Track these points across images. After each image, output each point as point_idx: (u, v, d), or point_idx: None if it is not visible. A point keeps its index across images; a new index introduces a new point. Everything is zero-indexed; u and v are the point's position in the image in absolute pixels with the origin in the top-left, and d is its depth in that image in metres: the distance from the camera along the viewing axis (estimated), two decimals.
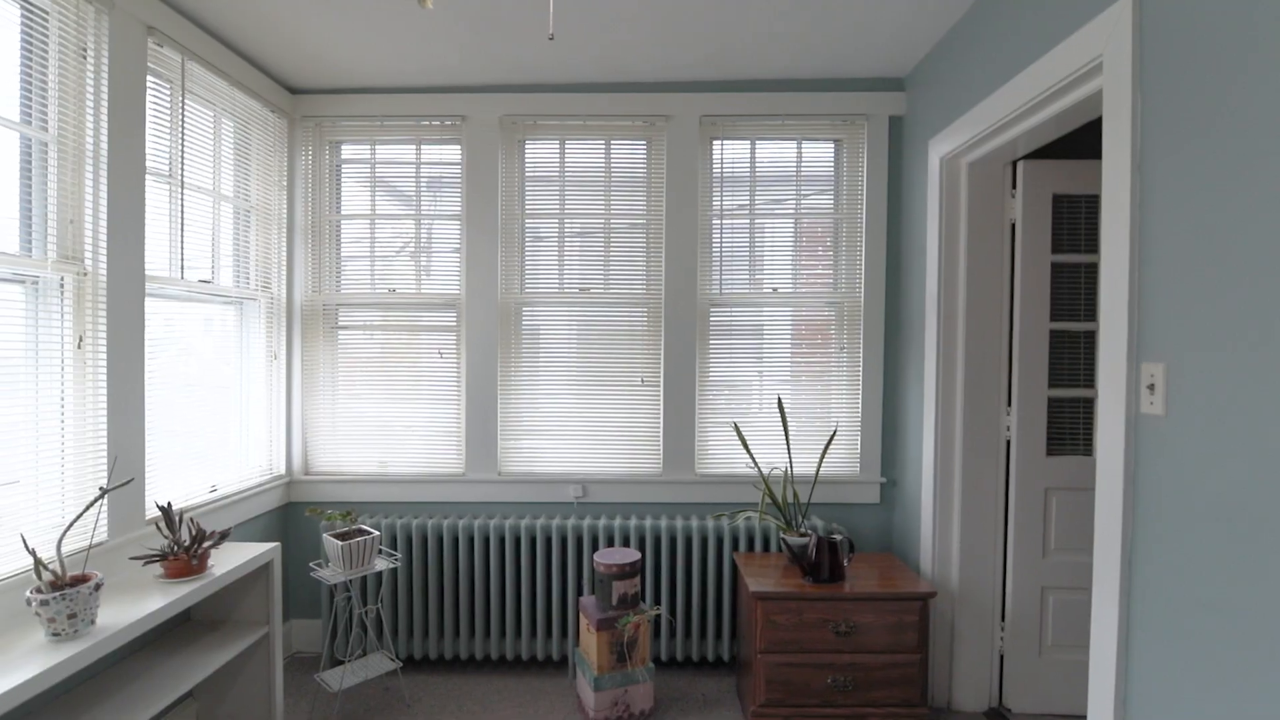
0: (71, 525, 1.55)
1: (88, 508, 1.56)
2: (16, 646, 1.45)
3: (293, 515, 2.77)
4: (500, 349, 2.73)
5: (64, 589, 1.48)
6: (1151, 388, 1.36)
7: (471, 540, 2.59)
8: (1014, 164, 2.29)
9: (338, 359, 2.78)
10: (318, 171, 2.76)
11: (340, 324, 2.78)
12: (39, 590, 1.47)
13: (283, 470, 2.72)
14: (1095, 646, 1.50)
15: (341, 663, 2.58)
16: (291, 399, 2.75)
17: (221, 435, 2.42)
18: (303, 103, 2.70)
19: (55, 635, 1.46)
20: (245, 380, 2.55)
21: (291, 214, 2.74)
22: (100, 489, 1.60)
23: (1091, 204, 2.27)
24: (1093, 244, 2.27)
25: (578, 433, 2.74)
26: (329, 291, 2.78)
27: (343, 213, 2.79)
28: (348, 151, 2.80)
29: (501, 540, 2.59)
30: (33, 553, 1.47)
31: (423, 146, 2.76)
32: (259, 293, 2.58)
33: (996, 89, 1.96)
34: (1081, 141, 2.46)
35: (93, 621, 1.52)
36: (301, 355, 2.75)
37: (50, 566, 1.54)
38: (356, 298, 2.77)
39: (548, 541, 2.60)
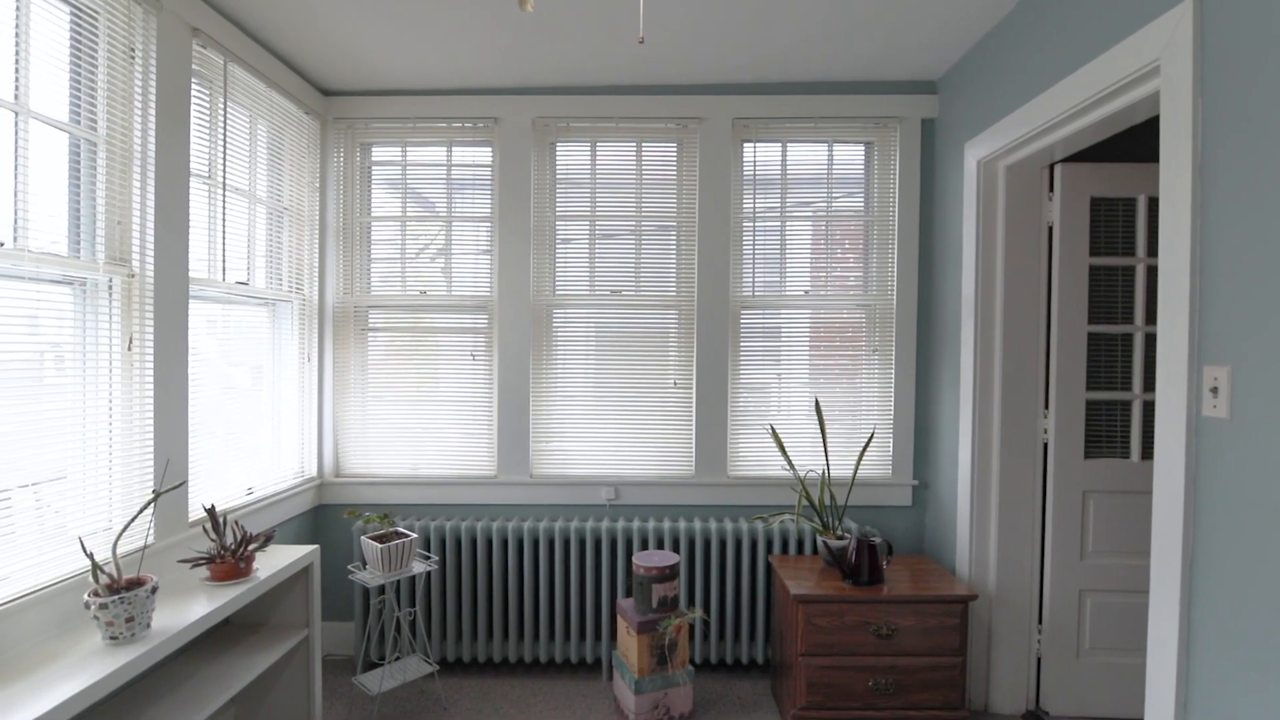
0: (127, 527, 1.54)
1: (142, 510, 1.55)
2: (74, 650, 1.44)
3: (323, 518, 2.76)
4: (532, 351, 2.72)
5: (120, 592, 1.47)
6: (1215, 390, 1.36)
7: (505, 542, 2.59)
8: (1051, 167, 2.30)
9: (368, 361, 2.77)
10: (349, 173, 2.75)
11: (371, 326, 2.78)
12: (97, 593, 1.46)
13: (314, 472, 2.71)
14: (1153, 649, 1.50)
15: (375, 665, 2.58)
16: (323, 401, 2.75)
17: (255, 437, 2.41)
18: (335, 104, 2.69)
19: (113, 639, 1.45)
20: (278, 382, 2.54)
21: (324, 216, 2.74)
22: (154, 492, 1.59)
23: (1129, 207, 2.28)
24: (1130, 247, 2.28)
25: (609, 435, 2.74)
26: (360, 293, 2.77)
27: (374, 214, 2.79)
28: (379, 153, 2.79)
29: (535, 542, 2.59)
30: (90, 556, 1.47)
31: (454, 149, 2.76)
32: (292, 294, 2.58)
33: (1041, 93, 1.96)
34: (1117, 145, 2.47)
35: (148, 625, 1.52)
36: (333, 357, 2.75)
37: (106, 569, 1.53)
38: (388, 300, 2.76)
39: (581, 544, 2.59)
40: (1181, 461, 1.43)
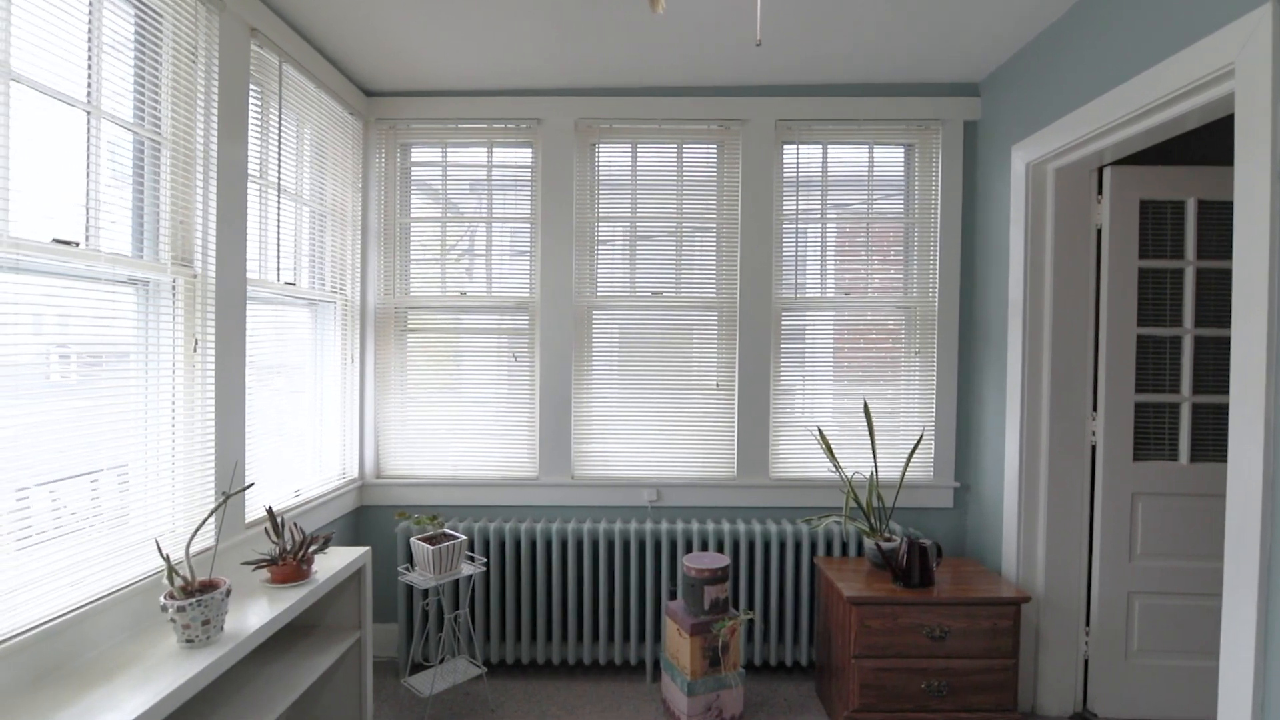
0: (199, 528, 1.54)
1: (213, 511, 1.55)
2: (151, 653, 1.43)
3: (364, 519, 2.75)
4: (574, 352, 2.72)
5: (196, 594, 1.47)
6: None
7: (549, 544, 2.58)
8: (1099, 170, 2.30)
9: (409, 362, 2.77)
10: (390, 174, 2.75)
11: (411, 327, 2.77)
12: (173, 595, 1.45)
13: (355, 474, 2.70)
14: (1228, 651, 1.50)
15: (419, 667, 2.57)
16: (364, 402, 2.74)
17: (300, 439, 2.40)
18: (378, 105, 2.69)
19: (189, 641, 1.45)
20: (321, 383, 2.53)
21: (365, 216, 2.73)
22: (223, 494, 1.59)
23: (1178, 210, 2.28)
24: (1179, 250, 2.28)
25: (650, 436, 2.74)
26: (400, 295, 2.77)
27: (413, 215, 2.79)
28: (419, 154, 2.79)
29: (579, 544, 2.58)
30: (166, 558, 1.46)
31: (494, 149, 2.76)
32: (334, 295, 2.57)
33: (1097, 96, 1.96)
34: (1164, 148, 2.47)
35: (222, 628, 1.51)
36: (374, 358, 2.74)
37: (180, 571, 1.53)
38: (428, 301, 2.76)
39: (625, 545, 2.59)
40: (1260, 464, 1.43)
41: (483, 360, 2.77)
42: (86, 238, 1.52)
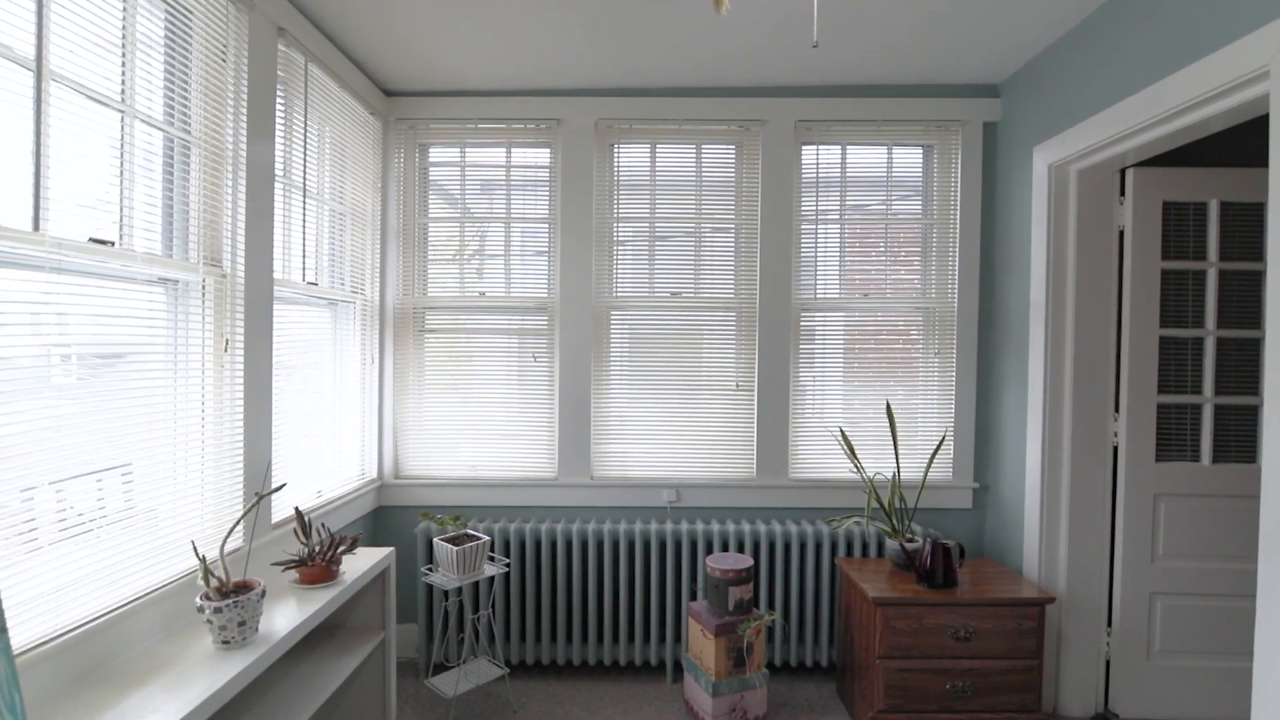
0: (234, 529, 1.53)
1: (247, 512, 1.54)
2: (187, 654, 1.43)
3: (382, 519, 2.75)
4: (593, 353, 2.72)
5: (232, 595, 1.46)
6: None
7: (569, 544, 2.58)
8: (1122, 171, 2.31)
9: (427, 362, 2.76)
10: (409, 174, 2.75)
11: (430, 327, 2.77)
12: (208, 596, 1.45)
13: (374, 474, 2.70)
14: (1262, 652, 1.50)
15: (441, 667, 2.57)
16: (383, 403, 2.73)
17: (321, 439, 2.39)
18: (397, 105, 2.69)
19: (225, 643, 1.44)
20: (340, 383, 2.53)
21: (385, 216, 2.73)
22: (256, 494, 1.58)
23: (1200, 211, 2.29)
24: (1201, 251, 2.29)
25: (669, 437, 2.74)
26: (419, 295, 2.76)
27: (432, 216, 2.78)
28: (438, 154, 2.78)
29: (599, 545, 2.58)
30: (202, 559, 1.46)
31: (514, 150, 2.76)
32: (354, 295, 2.56)
33: (1125, 98, 1.97)
34: (1185, 149, 2.47)
35: (256, 629, 1.51)
36: (393, 358, 2.74)
37: (215, 572, 1.52)
38: (447, 301, 2.75)
39: (645, 546, 2.59)
40: None
41: (501, 360, 2.76)
42: (120, 237, 1.52)
